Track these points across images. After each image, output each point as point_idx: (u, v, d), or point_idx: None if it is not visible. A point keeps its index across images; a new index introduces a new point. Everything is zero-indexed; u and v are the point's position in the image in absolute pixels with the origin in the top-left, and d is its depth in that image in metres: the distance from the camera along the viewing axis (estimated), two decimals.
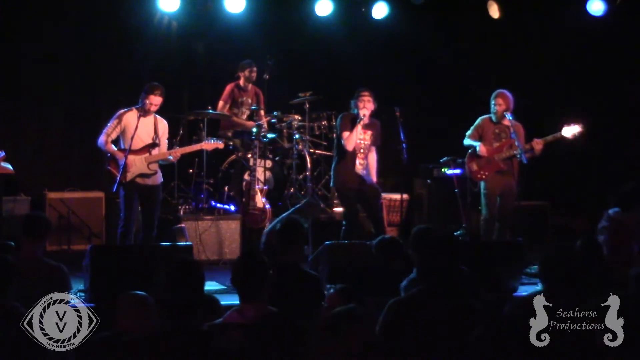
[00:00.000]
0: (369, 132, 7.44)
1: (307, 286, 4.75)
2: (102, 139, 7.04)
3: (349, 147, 7.31)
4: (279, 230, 4.97)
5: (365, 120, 7.30)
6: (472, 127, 7.73)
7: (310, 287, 4.78)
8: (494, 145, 7.59)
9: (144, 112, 7.00)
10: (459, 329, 3.54)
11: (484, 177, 7.60)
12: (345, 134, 7.36)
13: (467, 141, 7.72)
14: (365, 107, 7.29)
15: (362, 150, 7.41)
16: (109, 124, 7.05)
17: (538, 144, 7.40)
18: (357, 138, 7.33)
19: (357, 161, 7.40)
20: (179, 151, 7.35)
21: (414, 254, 4.34)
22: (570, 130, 7.46)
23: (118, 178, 6.77)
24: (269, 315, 3.70)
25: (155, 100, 7.01)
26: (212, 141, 7.64)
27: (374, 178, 7.55)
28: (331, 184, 7.82)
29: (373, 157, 7.54)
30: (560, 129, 7.48)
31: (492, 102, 7.59)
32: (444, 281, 3.77)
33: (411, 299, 3.75)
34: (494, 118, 7.62)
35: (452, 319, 3.62)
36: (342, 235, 7.43)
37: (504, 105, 7.51)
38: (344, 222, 7.56)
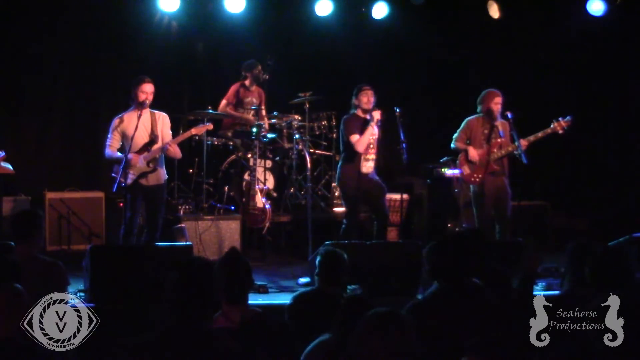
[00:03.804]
0: (376, 126, 7.47)
1: None
2: (107, 150, 6.97)
3: (361, 149, 7.31)
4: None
5: (378, 117, 7.33)
6: (458, 130, 7.65)
7: None
8: (484, 147, 7.52)
9: (140, 107, 6.84)
10: (478, 325, 3.53)
11: (477, 180, 7.52)
12: (354, 137, 7.35)
13: (454, 144, 7.65)
14: (369, 100, 7.35)
15: (371, 146, 7.42)
16: (109, 136, 6.95)
17: (523, 146, 7.34)
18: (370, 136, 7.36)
19: (367, 157, 7.37)
20: (172, 142, 7.01)
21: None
22: (560, 124, 7.42)
23: (118, 178, 6.72)
24: (255, 317, 3.62)
25: (148, 88, 6.85)
26: (201, 125, 7.57)
27: None
28: (336, 182, 7.78)
29: None
30: (550, 124, 7.44)
31: (485, 102, 7.51)
32: (455, 280, 3.75)
33: (427, 301, 3.72)
34: (492, 118, 7.54)
35: (470, 316, 3.60)
36: (341, 234, 7.42)
37: (501, 104, 7.48)
38: (344, 221, 7.55)
